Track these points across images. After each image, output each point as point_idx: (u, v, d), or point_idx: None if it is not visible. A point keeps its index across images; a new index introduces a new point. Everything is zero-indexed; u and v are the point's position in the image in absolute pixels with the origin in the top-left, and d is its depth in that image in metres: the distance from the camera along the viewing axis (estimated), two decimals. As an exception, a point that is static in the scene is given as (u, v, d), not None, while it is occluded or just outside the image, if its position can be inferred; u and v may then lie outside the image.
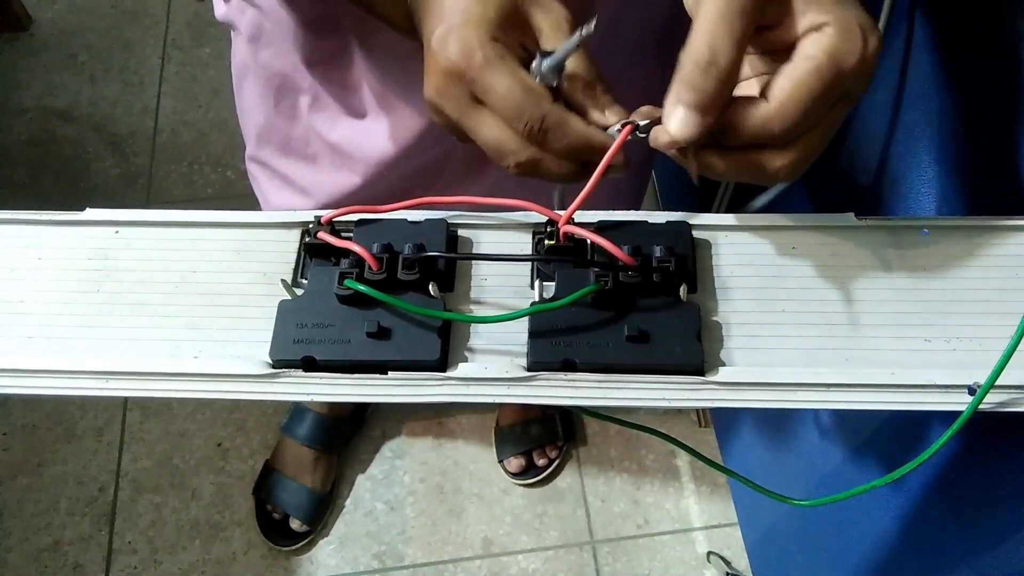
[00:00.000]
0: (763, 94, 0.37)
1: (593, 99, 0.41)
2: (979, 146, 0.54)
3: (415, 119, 0.68)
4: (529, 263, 0.43)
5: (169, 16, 1.87)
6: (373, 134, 0.71)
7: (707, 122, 0.36)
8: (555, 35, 0.41)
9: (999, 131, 0.52)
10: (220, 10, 0.73)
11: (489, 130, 0.40)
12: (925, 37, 0.57)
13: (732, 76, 0.36)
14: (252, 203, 0.88)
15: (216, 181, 1.65)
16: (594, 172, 0.39)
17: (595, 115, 0.41)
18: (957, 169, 0.56)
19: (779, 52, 0.39)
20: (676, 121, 0.37)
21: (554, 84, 0.40)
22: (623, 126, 0.40)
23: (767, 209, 0.63)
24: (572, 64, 0.40)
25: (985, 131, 0.53)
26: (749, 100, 0.37)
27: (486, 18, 0.39)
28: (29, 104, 1.74)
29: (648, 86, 0.55)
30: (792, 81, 0.36)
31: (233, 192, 1.63)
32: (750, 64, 0.43)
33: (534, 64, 0.40)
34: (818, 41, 0.37)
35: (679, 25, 0.78)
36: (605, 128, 0.40)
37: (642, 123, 0.40)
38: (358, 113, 0.72)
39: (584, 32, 0.38)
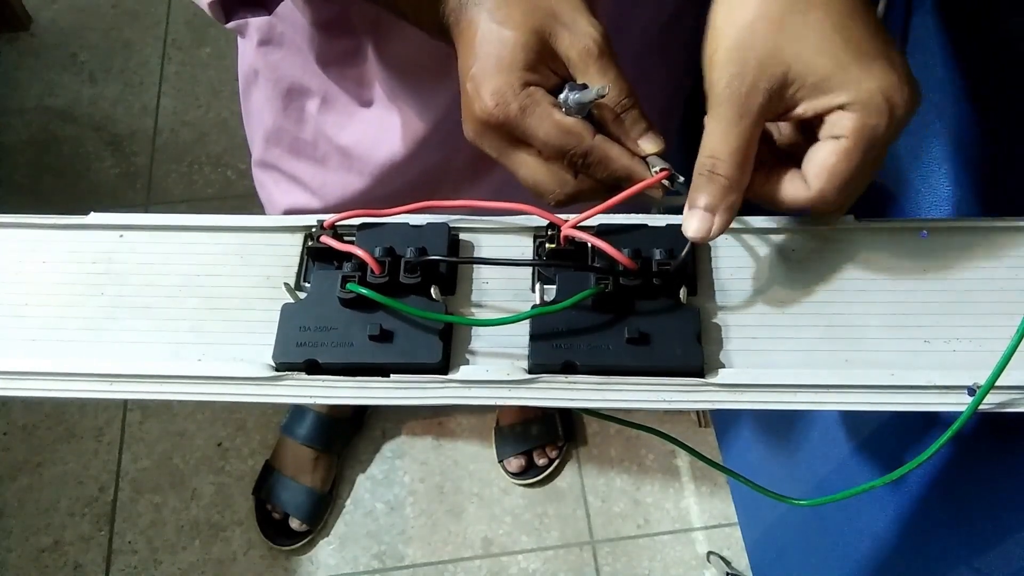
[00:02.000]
0: (802, 172, 0.40)
1: (626, 130, 0.42)
2: (979, 147, 0.54)
3: (424, 119, 0.69)
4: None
5: (169, 16, 1.87)
6: (382, 135, 0.71)
7: (718, 221, 0.39)
8: (583, 63, 0.41)
9: (999, 132, 0.52)
10: None
11: (527, 171, 0.42)
12: (924, 37, 0.57)
13: (736, 180, 0.38)
14: (252, 204, 0.88)
15: (216, 181, 1.65)
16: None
17: (630, 145, 0.42)
18: (957, 170, 0.56)
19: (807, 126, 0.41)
20: (693, 224, 0.39)
21: (585, 114, 0.41)
22: (661, 170, 0.41)
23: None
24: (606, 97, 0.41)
25: (985, 132, 0.53)
26: (792, 182, 0.40)
27: (515, 63, 0.40)
28: (29, 104, 1.74)
29: (651, 87, 0.55)
30: (826, 169, 0.38)
31: (233, 192, 1.63)
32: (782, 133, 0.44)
33: (562, 96, 0.41)
34: (843, 120, 0.38)
35: (681, 27, 0.78)
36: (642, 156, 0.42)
37: (681, 179, 0.41)
38: (367, 104, 0.72)
39: (598, 93, 0.39)
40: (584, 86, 0.41)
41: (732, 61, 0.38)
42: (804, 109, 0.39)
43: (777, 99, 0.38)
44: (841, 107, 0.38)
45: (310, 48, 0.67)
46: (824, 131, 0.39)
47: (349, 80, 0.70)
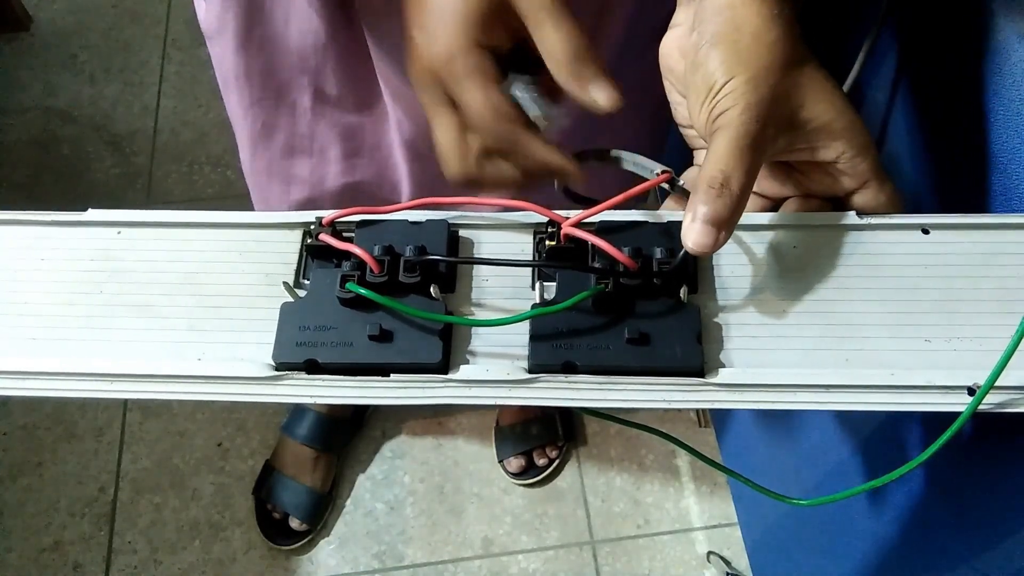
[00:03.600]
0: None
1: (577, 74, 0.41)
2: (980, 144, 0.54)
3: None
4: None
5: (169, 16, 1.87)
6: (380, 125, 0.71)
7: (722, 236, 0.38)
8: (537, 15, 0.40)
9: (1000, 129, 0.52)
10: (202, 13, 0.70)
11: (442, 134, 0.42)
12: (925, 35, 0.57)
13: (743, 198, 0.38)
14: (252, 204, 0.88)
15: (216, 181, 1.65)
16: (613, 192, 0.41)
17: (580, 92, 0.41)
18: (958, 168, 0.56)
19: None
20: (693, 234, 0.38)
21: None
22: (663, 172, 0.42)
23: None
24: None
25: (987, 129, 0.53)
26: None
27: (470, 15, 0.40)
28: (29, 104, 1.74)
29: (637, 81, 0.55)
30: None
31: (233, 192, 1.63)
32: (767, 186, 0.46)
33: (505, 83, 0.41)
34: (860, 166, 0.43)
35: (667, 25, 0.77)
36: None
37: (680, 182, 0.42)
38: (368, 104, 0.71)
39: (547, 122, 0.40)
40: (535, 82, 0.41)
41: (749, 92, 0.39)
42: (816, 155, 0.42)
43: (784, 138, 0.40)
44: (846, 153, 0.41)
45: (303, 42, 0.67)
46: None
47: (345, 73, 0.69)
